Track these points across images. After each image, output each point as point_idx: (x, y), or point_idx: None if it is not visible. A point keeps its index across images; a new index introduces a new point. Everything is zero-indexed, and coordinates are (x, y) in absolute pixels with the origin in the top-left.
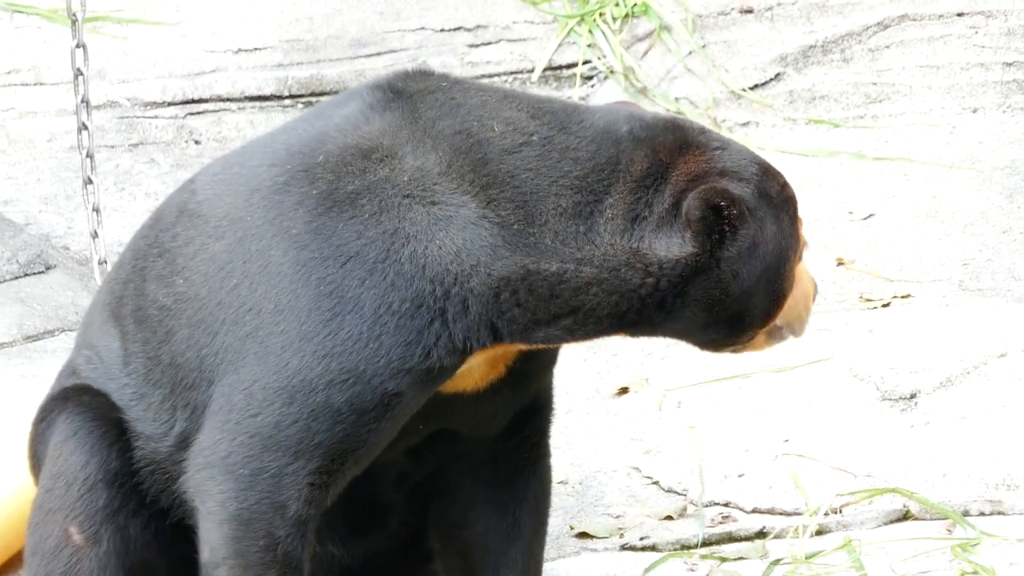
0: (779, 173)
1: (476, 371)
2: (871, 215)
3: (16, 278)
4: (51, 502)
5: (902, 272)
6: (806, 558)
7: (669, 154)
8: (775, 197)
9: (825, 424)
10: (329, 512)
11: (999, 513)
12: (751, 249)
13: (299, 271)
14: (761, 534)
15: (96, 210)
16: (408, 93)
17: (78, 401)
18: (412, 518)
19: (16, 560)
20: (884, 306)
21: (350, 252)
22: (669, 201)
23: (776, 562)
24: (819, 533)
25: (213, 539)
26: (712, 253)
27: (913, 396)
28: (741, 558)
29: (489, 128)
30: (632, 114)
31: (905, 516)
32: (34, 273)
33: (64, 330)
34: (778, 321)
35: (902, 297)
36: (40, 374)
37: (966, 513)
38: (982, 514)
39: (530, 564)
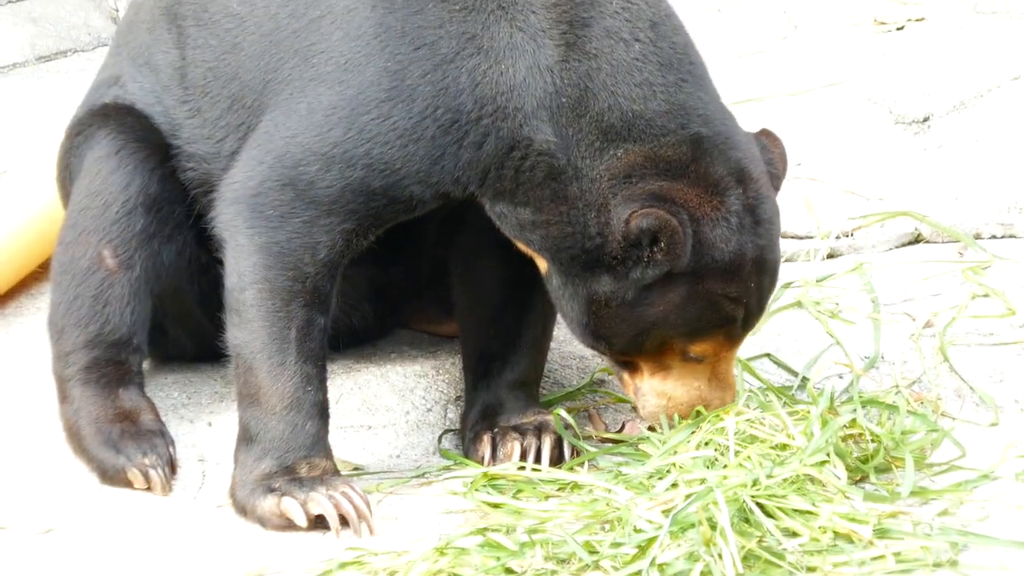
0: (744, 291)
1: None
2: None
3: None
4: (86, 222)
5: None
6: (817, 281)
7: (696, 169)
8: (709, 285)
9: (838, 148)
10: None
11: (1010, 236)
12: (648, 289)
13: (378, 35)
14: None
15: None
16: None
17: (121, 120)
18: (440, 245)
19: (38, 273)
20: (898, 29)
21: (427, 39)
22: (652, 187)
23: (788, 284)
24: (831, 256)
25: (241, 267)
26: (623, 259)
27: (926, 119)
28: None
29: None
30: (746, 138)
31: (917, 239)
32: None
33: (77, 51)
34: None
35: (916, 20)
36: (53, 94)
37: (978, 236)
38: (993, 237)
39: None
